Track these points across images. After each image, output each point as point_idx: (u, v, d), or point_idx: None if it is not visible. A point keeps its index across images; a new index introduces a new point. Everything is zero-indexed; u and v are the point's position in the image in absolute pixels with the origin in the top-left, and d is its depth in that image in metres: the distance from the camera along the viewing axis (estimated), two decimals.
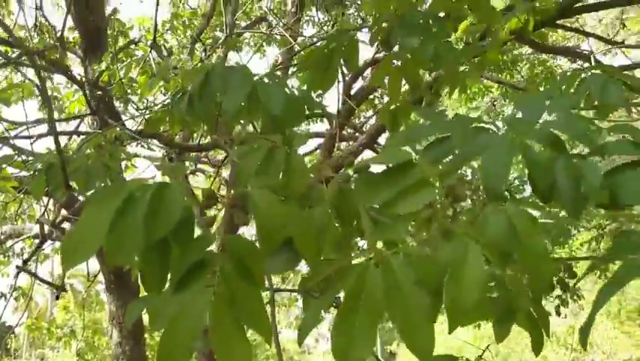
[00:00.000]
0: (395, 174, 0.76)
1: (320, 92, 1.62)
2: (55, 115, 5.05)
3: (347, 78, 3.83)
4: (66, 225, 3.34)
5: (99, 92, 3.49)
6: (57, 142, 1.60)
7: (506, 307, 0.88)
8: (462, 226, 0.72)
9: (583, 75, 1.30)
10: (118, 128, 3.03)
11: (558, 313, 2.82)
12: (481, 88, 5.13)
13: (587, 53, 3.96)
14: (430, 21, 1.61)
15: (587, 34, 4.03)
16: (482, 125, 0.92)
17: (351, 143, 4.70)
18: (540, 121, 0.95)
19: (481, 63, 2.12)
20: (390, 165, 0.77)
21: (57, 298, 3.01)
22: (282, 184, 0.80)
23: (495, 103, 5.83)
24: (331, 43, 1.55)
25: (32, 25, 4.71)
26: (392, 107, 1.77)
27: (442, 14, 1.75)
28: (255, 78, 0.99)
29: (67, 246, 0.70)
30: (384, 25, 1.65)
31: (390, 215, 0.73)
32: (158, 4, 2.73)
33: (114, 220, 0.68)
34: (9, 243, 4.86)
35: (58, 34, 3.09)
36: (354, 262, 0.70)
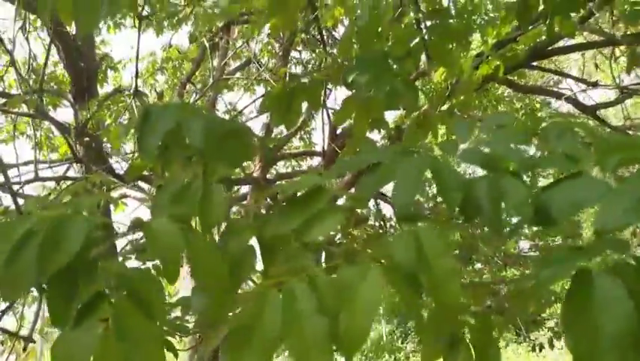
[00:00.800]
0: (305, 201, 0.74)
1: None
2: (47, 157, 5.11)
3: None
4: None
5: (86, 139, 3.55)
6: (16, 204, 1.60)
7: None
8: (372, 248, 0.70)
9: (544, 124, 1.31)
10: (103, 173, 3.05)
11: (552, 346, 2.71)
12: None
13: (564, 91, 4.01)
14: (389, 60, 1.65)
15: (563, 75, 4.10)
16: (412, 149, 0.92)
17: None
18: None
19: (452, 107, 2.16)
20: (301, 193, 0.76)
21: (24, 349, 2.95)
22: (197, 214, 0.78)
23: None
24: (292, 84, 1.58)
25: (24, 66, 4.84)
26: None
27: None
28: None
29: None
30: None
31: (300, 242, 0.71)
32: (138, 57, 2.81)
33: (9, 256, 0.66)
34: None
35: (40, 80, 3.16)
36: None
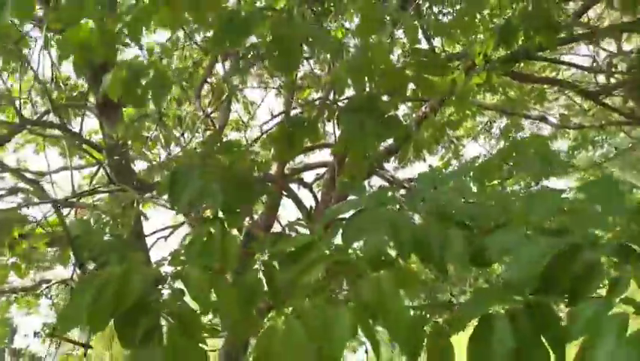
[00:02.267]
0: (299, 255, 1.02)
1: None
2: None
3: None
4: None
5: (117, 158, 3.85)
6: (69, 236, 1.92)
7: None
8: (350, 292, 0.97)
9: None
10: (132, 190, 3.37)
11: None
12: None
13: (565, 81, 4.16)
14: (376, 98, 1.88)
15: (567, 64, 4.24)
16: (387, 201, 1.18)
17: None
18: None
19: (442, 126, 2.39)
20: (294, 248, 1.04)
21: (85, 355, 3.35)
22: (217, 260, 1.07)
23: (492, 124, 6.02)
24: (292, 123, 1.84)
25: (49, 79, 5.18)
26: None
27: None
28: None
29: (61, 318, 1.00)
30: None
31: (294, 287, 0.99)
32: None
33: (93, 299, 0.96)
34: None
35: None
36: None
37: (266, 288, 1.11)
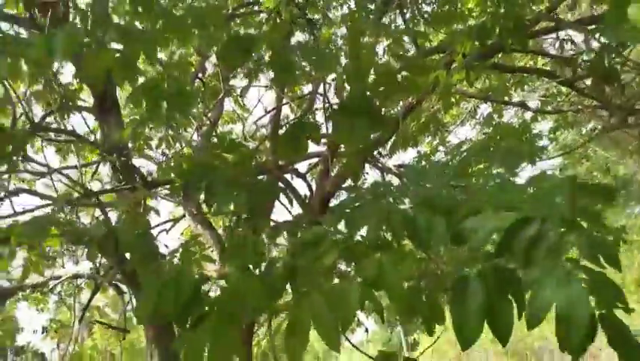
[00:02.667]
0: (315, 245, 1.29)
1: None
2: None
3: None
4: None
5: (119, 156, 4.05)
6: (109, 227, 2.16)
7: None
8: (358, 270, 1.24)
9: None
10: (140, 187, 3.59)
11: None
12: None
13: (542, 69, 4.43)
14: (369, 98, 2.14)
15: (544, 54, 4.52)
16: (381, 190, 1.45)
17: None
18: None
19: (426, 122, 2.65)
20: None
21: (124, 338, 3.63)
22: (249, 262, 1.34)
23: (477, 110, 6.31)
24: (295, 124, 2.09)
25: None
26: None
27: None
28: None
29: (138, 309, 1.26)
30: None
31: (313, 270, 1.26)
32: None
33: (158, 294, 1.22)
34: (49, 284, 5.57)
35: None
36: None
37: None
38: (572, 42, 4.19)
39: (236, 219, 1.45)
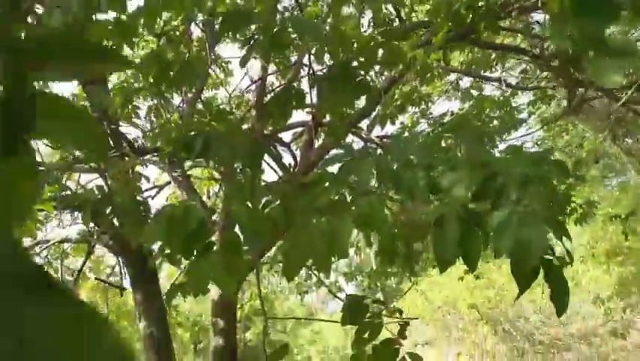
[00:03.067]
0: (313, 186, 1.42)
1: None
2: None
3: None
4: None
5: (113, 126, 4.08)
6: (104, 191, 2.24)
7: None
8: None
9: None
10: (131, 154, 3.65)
11: None
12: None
13: (519, 47, 4.59)
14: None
15: (523, 33, 4.66)
16: (370, 150, 1.59)
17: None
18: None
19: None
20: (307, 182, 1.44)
21: (121, 295, 3.74)
22: (249, 200, 1.47)
23: (459, 82, 6.48)
24: (282, 89, 2.20)
25: None
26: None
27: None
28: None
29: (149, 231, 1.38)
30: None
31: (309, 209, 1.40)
32: None
33: (166, 225, 1.34)
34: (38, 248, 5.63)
35: None
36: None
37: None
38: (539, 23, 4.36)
39: (234, 169, 1.57)
